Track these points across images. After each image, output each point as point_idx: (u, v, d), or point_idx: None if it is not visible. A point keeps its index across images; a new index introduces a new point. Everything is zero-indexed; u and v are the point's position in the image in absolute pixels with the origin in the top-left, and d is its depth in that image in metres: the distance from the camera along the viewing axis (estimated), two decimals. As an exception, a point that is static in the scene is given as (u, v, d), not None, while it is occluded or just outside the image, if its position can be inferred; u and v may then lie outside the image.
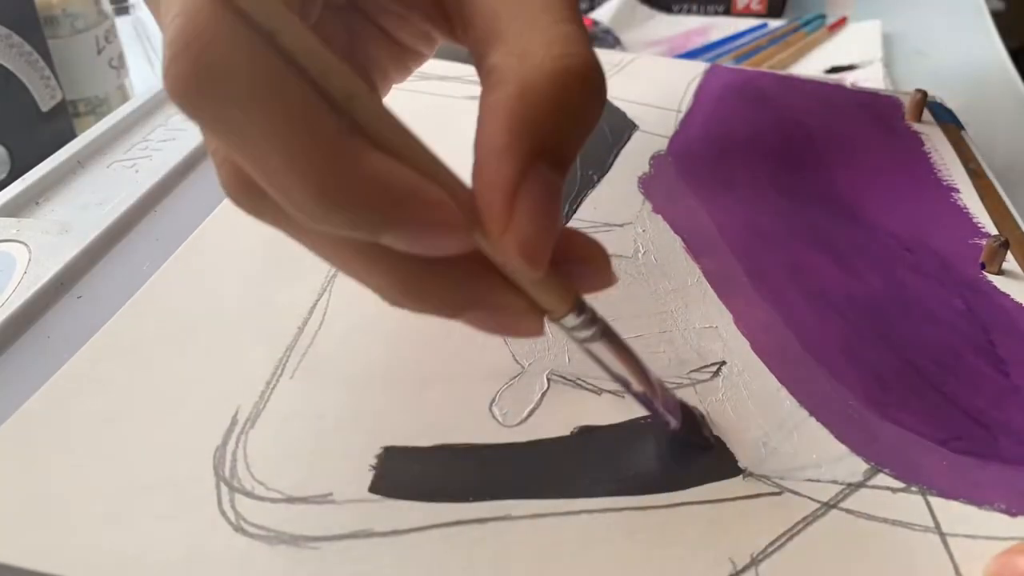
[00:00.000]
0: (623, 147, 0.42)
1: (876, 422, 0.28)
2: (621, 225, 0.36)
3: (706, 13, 0.73)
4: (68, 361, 0.29)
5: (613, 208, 0.37)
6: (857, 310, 0.32)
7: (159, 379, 0.28)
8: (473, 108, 0.44)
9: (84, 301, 0.32)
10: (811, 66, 0.63)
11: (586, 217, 0.36)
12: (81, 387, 0.28)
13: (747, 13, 0.72)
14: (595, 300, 0.31)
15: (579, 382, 0.29)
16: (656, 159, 0.41)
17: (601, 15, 0.70)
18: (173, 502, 0.24)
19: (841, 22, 0.69)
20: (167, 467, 0.25)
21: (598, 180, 0.39)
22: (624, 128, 0.44)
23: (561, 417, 0.27)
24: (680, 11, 0.74)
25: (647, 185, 0.39)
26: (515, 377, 0.29)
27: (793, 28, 0.68)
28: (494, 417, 0.27)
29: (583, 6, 0.74)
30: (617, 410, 0.28)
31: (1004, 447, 0.27)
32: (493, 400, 0.28)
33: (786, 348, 0.30)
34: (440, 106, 0.46)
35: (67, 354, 0.29)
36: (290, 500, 0.24)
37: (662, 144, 0.43)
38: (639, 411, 0.27)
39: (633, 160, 0.41)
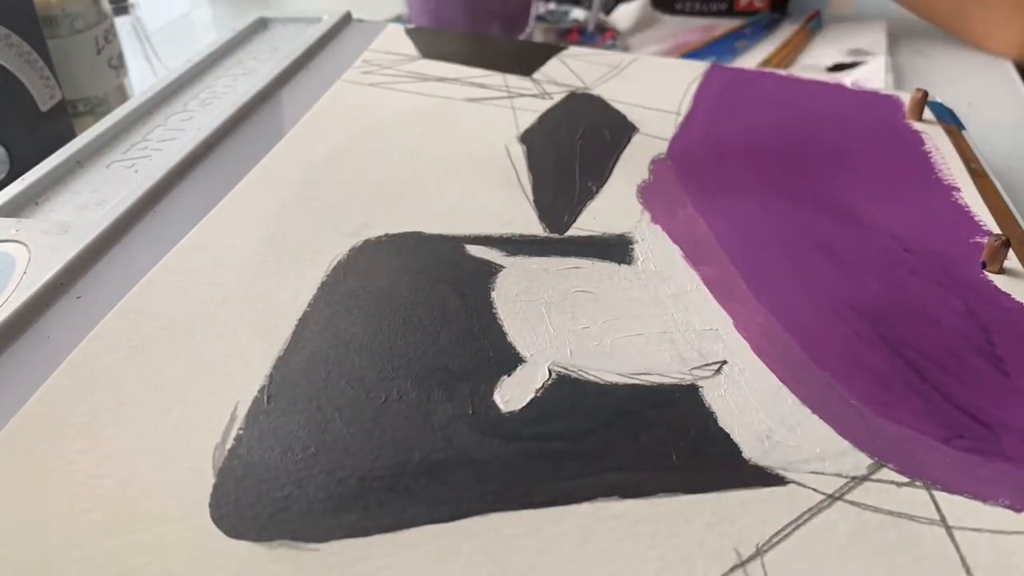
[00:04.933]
0: (623, 151, 0.42)
1: (878, 421, 0.28)
2: (620, 235, 0.36)
3: (709, 12, 0.73)
4: (64, 360, 0.29)
5: (612, 219, 0.37)
6: (857, 312, 0.32)
7: (157, 377, 0.28)
8: (472, 109, 0.44)
9: (84, 301, 0.32)
10: (812, 64, 0.63)
11: (585, 227, 0.36)
12: (78, 388, 0.28)
13: (750, 11, 0.72)
14: (595, 300, 0.32)
15: (580, 373, 0.29)
16: (656, 164, 0.41)
17: (619, 22, 0.71)
18: (173, 505, 0.24)
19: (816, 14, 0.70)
20: (166, 468, 0.25)
21: (597, 191, 0.39)
22: (624, 131, 0.44)
23: (562, 408, 0.28)
24: (683, 11, 0.74)
25: (646, 195, 0.39)
26: (518, 367, 0.29)
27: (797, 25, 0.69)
28: (496, 404, 0.28)
29: (586, 4, 0.74)
30: (618, 402, 0.28)
31: (1007, 446, 0.27)
32: (495, 388, 0.28)
33: (787, 351, 0.30)
34: (440, 106, 0.46)
35: (67, 354, 0.29)
36: (290, 499, 0.24)
37: (662, 147, 0.43)
38: (641, 402, 0.28)
39: (633, 165, 0.41)
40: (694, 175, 0.40)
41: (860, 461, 0.26)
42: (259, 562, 0.23)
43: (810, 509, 0.25)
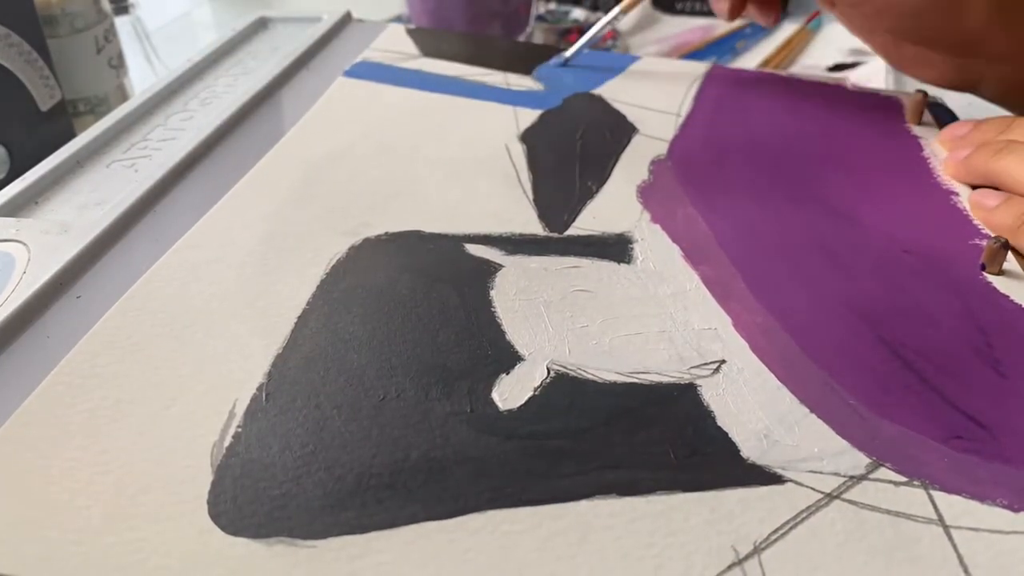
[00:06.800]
0: (623, 151, 0.42)
1: (876, 421, 0.28)
2: (620, 234, 0.36)
3: (709, 12, 0.73)
4: (64, 358, 0.29)
5: (612, 218, 0.37)
6: (856, 312, 0.32)
7: (156, 374, 0.28)
8: (471, 107, 0.43)
9: (83, 301, 0.32)
10: (812, 65, 0.63)
11: (585, 226, 0.36)
12: (77, 385, 0.28)
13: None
14: (594, 299, 0.32)
15: (579, 372, 0.29)
16: (656, 165, 0.41)
17: (619, 22, 0.71)
18: (171, 502, 0.24)
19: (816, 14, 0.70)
20: (165, 465, 0.25)
21: (597, 190, 0.39)
22: (624, 132, 0.44)
23: (560, 406, 0.28)
24: (683, 11, 0.74)
25: (646, 195, 0.39)
26: (517, 365, 0.29)
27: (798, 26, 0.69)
28: (494, 402, 0.28)
29: (586, 4, 0.74)
30: (616, 400, 0.28)
31: (1006, 447, 0.27)
32: (494, 386, 0.28)
33: (785, 351, 0.30)
34: (440, 104, 0.46)
35: (66, 354, 0.29)
36: (288, 496, 0.24)
37: (662, 148, 0.43)
38: (640, 400, 0.28)
39: (633, 165, 0.41)
40: (694, 176, 0.40)
41: (858, 460, 0.26)
42: (257, 559, 0.23)
43: (808, 508, 0.25)
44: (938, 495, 0.25)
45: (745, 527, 0.24)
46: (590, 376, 0.29)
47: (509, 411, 0.27)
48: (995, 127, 0.41)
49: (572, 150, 0.42)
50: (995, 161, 0.38)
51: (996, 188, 0.38)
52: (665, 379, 0.29)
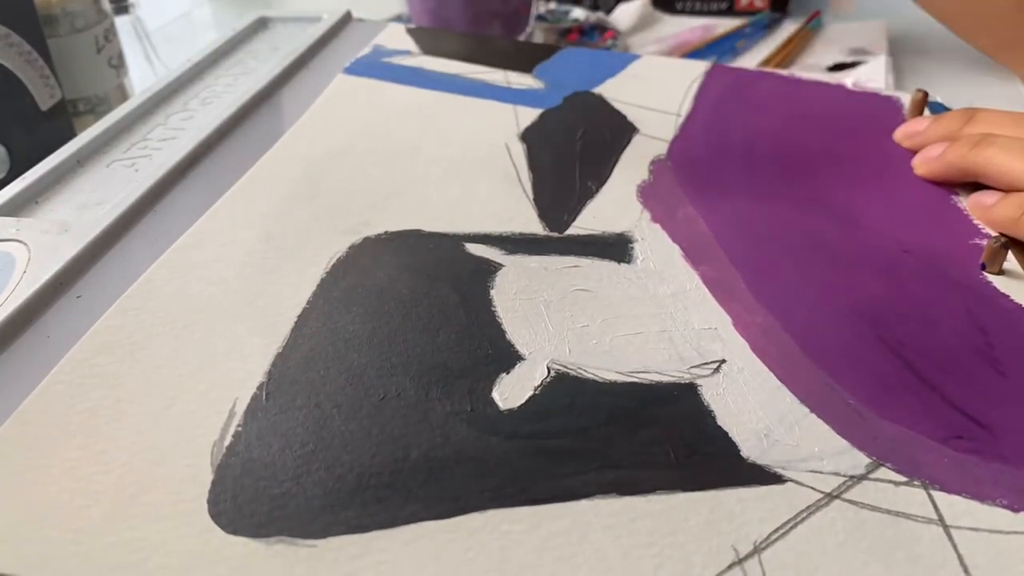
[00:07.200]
0: (623, 151, 0.42)
1: (876, 420, 0.28)
2: (620, 234, 0.36)
3: (709, 12, 0.73)
4: (64, 357, 0.29)
5: (612, 218, 0.37)
6: (857, 312, 0.32)
7: (156, 374, 0.28)
8: (471, 105, 0.43)
9: (83, 301, 0.32)
10: (812, 64, 0.63)
11: (585, 225, 0.36)
12: (77, 385, 0.28)
13: (750, 11, 0.72)
14: (594, 298, 0.32)
15: (579, 371, 0.29)
16: (656, 165, 0.41)
17: (619, 22, 0.71)
18: (171, 502, 0.24)
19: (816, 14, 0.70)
20: (164, 464, 0.25)
21: (597, 190, 0.39)
22: (624, 132, 0.44)
23: (560, 405, 0.28)
24: (683, 10, 0.74)
25: (646, 194, 0.39)
26: (517, 365, 0.29)
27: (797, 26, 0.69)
28: (494, 401, 0.28)
29: (586, 4, 0.74)
30: (616, 400, 0.28)
31: (1006, 447, 0.27)
32: (494, 385, 0.28)
33: (785, 351, 0.30)
34: (441, 103, 0.46)
35: (66, 354, 0.29)
36: (288, 496, 0.24)
37: (662, 148, 0.43)
38: (640, 400, 0.28)
39: (633, 165, 0.41)
40: (694, 176, 0.40)
41: (858, 460, 0.26)
42: (257, 558, 0.23)
43: (808, 507, 0.25)
44: (938, 495, 0.25)
45: (745, 527, 0.24)
46: (590, 376, 0.29)
47: (509, 410, 0.27)
48: (956, 119, 0.41)
49: (572, 149, 0.42)
50: (975, 154, 0.38)
51: (976, 183, 0.39)
52: (665, 379, 0.29)
